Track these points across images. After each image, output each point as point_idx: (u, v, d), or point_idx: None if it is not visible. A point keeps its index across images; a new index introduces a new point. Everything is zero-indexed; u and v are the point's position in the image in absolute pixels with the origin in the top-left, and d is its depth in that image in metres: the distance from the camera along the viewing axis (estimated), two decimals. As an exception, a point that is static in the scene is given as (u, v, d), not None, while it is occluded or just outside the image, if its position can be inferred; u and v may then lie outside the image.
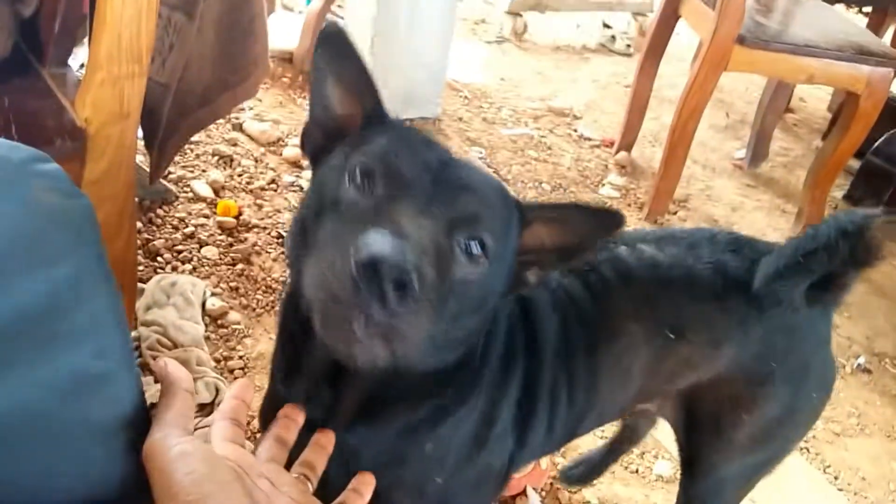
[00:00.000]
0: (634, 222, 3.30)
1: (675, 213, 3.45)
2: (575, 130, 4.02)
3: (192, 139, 2.85)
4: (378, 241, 0.67)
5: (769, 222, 3.56)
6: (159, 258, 2.31)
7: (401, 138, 0.88)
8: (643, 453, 2.14)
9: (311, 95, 0.94)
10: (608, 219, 0.88)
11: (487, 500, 1.20)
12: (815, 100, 5.12)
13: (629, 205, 3.44)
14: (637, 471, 2.10)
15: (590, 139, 3.95)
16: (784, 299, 1.18)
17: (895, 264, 3.49)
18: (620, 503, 1.99)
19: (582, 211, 0.90)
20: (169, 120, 1.76)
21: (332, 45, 0.88)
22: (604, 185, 3.57)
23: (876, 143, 3.70)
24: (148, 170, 2.48)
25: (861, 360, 2.75)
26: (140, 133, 1.86)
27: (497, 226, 0.85)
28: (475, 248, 0.81)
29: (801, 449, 2.31)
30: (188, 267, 2.31)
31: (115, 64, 1.32)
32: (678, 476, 2.05)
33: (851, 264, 1.15)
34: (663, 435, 1.50)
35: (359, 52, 0.90)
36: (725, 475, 1.41)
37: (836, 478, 2.25)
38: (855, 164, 3.79)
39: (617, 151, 3.81)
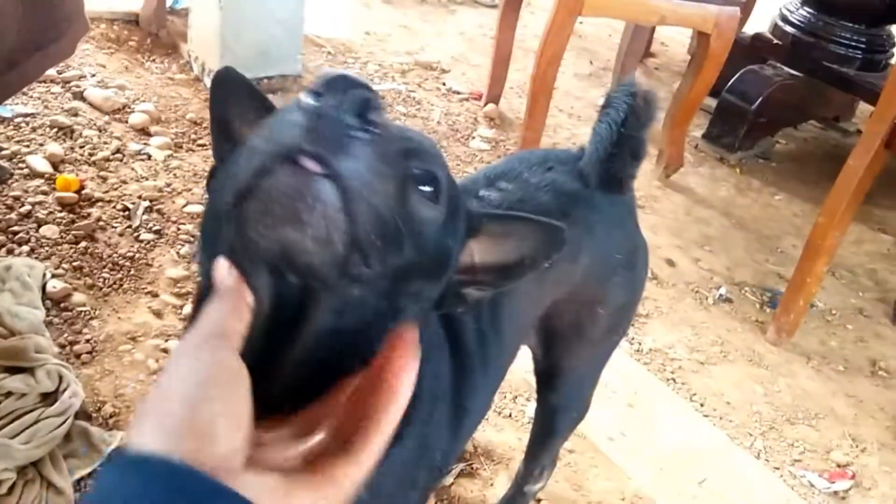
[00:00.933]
0: (504, 172, 3.31)
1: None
2: (443, 84, 3.97)
3: (28, 111, 2.64)
4: (334, 71, 0.58)
5: (634, 165, 3.64)
6: (-8, 241, 2.13)
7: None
8: (515, 397, 2.17)
9: (214, 138, 0.85)
10: (554, 234, 0.81)
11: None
12: (675, 44, 5.26)
13: (499, 156, 3.44)
14: (510, 415, 2.12)
15: (458, 93, 3.92)
16: (623, 176, 1.32)
17: (753, 198, 3.66)
18: (495, 449, 2.00)
19: (530, 225, 0.83)
20: None
21: (225, 85, 0.83)
22: (474, 138, 3.55)
23: (730, 82, 3.83)
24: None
25: (722, 290, 2.87)
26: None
27: (448, 186, 0.74)
28: (428, 186, 0.69)
29: (668, 380, 2.40)
30: (25, 249, 2.14)
31: None
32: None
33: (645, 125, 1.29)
34: (533, 376, 1.52)
35: (252, 84, 0.83)
36: (584, 372, 1.54)
37: (701, 405, 2.35)
38: (712, 102, 3.91)
39: (485, 104, 3.80)
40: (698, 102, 3.45)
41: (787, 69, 3.93)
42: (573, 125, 3.90)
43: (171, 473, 0.46)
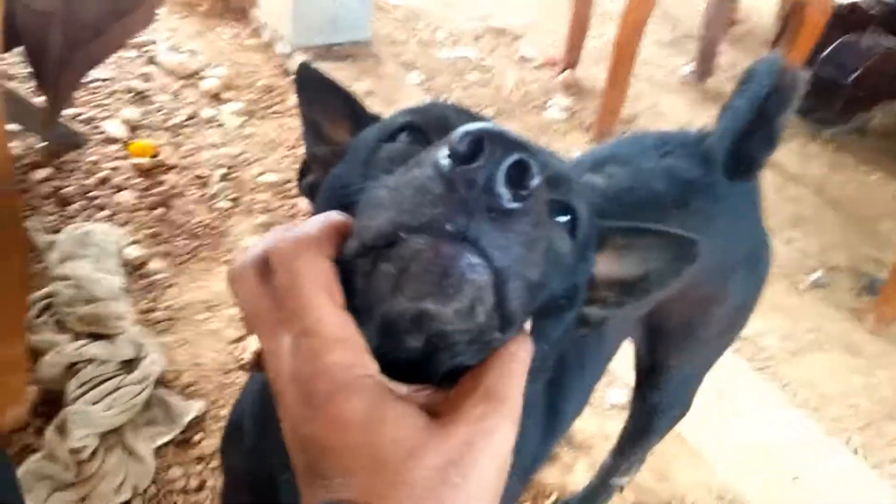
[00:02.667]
0: (582, 145, 3.18)
1: (623, 133, 3.34)
2: (517, 51, 3.85)
3: (103, 76, 2.63)
4: (477, 126, 0.46)
5: (718, 138, 3.47)
6: (71, 206, 2.12)
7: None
8: (597, 383, 2.08)
9: (304, 134, 0.80)
10: (684, 248, 0.71)
11: None
12: (762, 11, 4.99)
13: (576, 127, 3.31)
14: (591, 401, 2.03)
15: (532, 59, 3.78)
16: (756, 160, 1.20)
17: (847, 177, 3.46)
18: (576, 435, 1.92)
19: (658, 237, 0.72)
20: (59, 56, 1.56)
21: (309, 86, 0.78)
22: (548, 107, 3.43)
23: (824, 53, 3.61)
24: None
25: (817, 274, 2.71)
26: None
27: (586, 220, 0.65)
28: (564, 217, 0.61)
29: (758, 369, 2.27)
30: (103, 214, 2.13)
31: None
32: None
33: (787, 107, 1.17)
34: (615, 363, 1.43)
35: (334, 81, 0.77)
36: (691, 372, 1.43)
37: (794, 395, 2.22)
38: (805, 74, 3.69)
39: (561, 72, 3.66)
40: (791, 73, 3.25)
41: (886, 39, 3.68)
42: (655, 93, 3.73)
43: None
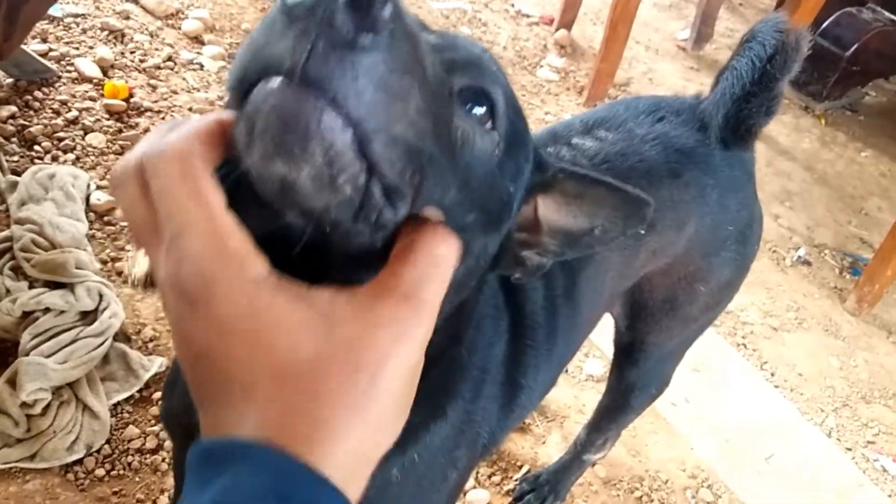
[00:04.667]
0: (573, 108, 3.10)
1: (615, 98, 3.26)
2: (512, 6, 3.73)
3: (78, 11, 2.50)
4: None
5: (712, 107, 3.40)
6: (37, 147, 2.02)
7: None
8: (574, 353, 2.03)
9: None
10: (636, 208, 0.66)
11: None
12: (762, -22, 4.89)
13: (568, 88, 3.22)
14: (567, 370, 1.99)
15: (528, 16, 3.68)
16: (755, 126, 1.14)
17: (837, 153, 3.40)
18: (549, 405, 1.88)
19: (610, 191, 0.67)
20: None
21: None
22: (542, 66, 3.33)
23: (823, 25, 3.52)
24: (26, 50, 2.16)
25: (802, 251, 2.67)
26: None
27: (507, 109, 0.58)
28: (479, 108, 0.55)
29: (739, 345, 2.24)
30: (70, 157, 2.03)
31: None
32: (607, 375, 1.97)
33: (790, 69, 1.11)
34: (595, 333, 1.38)
35: None
36: (670, 349, 1.39)
37: (772, 374, 2.19)
38: (802, 46, 3.61)
39: (556, 30, 3.56)
40: (790, 44, 3.17)
41: (887, 14, 3.60)
42: (650, 59, 3.64)
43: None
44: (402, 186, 0.45)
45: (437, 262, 0.47)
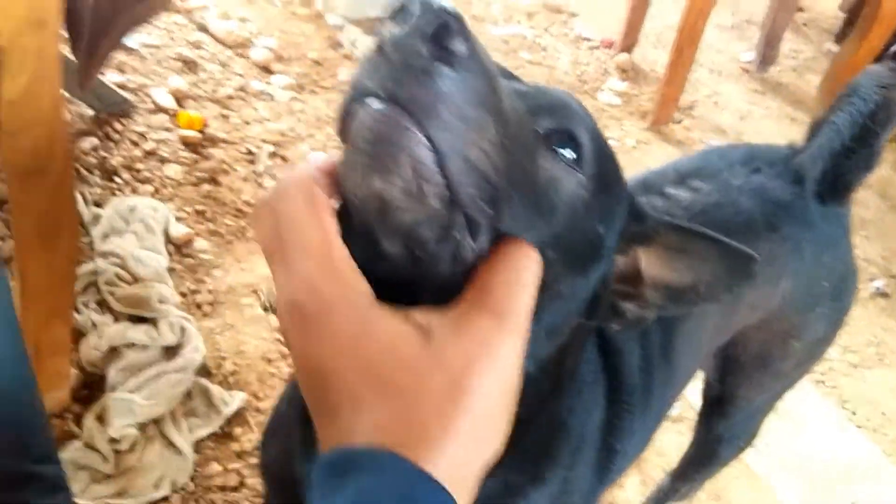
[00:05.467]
0: (637, 132, 3.07)
1: (679, 122, 3.21)
2: (572, 29, 3.71)
3: (153, 42, 2.56)
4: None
5: (779, 131, 3.33)
6: (117, 178, 2.07)
7: None
8: (650, 391, 2.00)
9: None
10: (742, 264, 0.64)
11: None
12: (825, -4, 4.79)
13: (631, 113, 3.19)
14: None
15: (588, 39, 3.65)
16: (853, 182, 1.13)
17: (911, 178, 3.31)
18: (625, 445, 1.85)
19: (715, 246, 0.65)
20: (101, 17, 1.50)
21: None
22: (603, 90, 3.31)
23: (893, 48, 3.43)
24: (105, 82, 2.21)
25: (879, 283, 2.59)
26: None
27: (595, 152, 0.59)
28: (566, 150, 0.57)
29: (817, 382, 2.18)
30: (149, 188, 2.07)
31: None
32: (684, 415, 1.93)
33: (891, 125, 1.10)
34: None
35: None
36: (760, 403, 1.36)
37: (854, 413, 2.12)
38: (872, 68, 3.53)
39: (618, 53, 3.52)
40: (862, 68, 3.09)
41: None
42: (714, 81, 3.59)
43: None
44: (479, 214, 0.48)
45: (520, 274, 0.49)
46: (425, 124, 0.44)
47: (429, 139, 0.44)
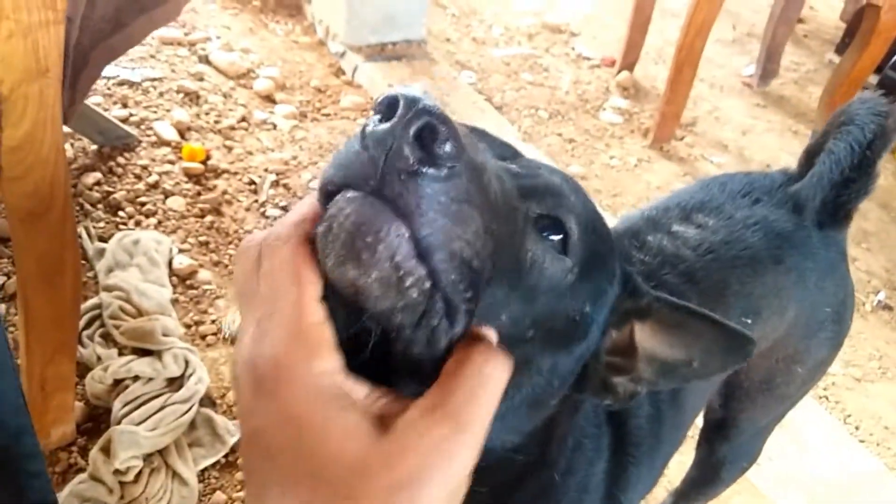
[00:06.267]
0: (639, 151, 3.08)
1: (681, 139, 3.23)
2: (573, 49, 3.75)
3: (155, 75, 2.61)
4: (396, 90, 0.47)
5: (781, 145, 3.34)
6: (121, 212, 2.11)
7: None
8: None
9: None
10: (738, 344, 0.64)
11: None
12: (826, 8, 4.80)
13: (632, 131, 3.21)
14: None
15: (589, 58, 3.68)
16: (851, 208, 1.15)
17: (914, 188, 3.30)
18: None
19: (712, 326, 0.65)
20: (81, 52, 1.53)
21: None
22: (605, 109, 3.33)
23: (894, 58, 3.44)
24: (108, 117, 2.26)
25: (881, 295, 2.59)
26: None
27: (583, 236, 0.60)
28: (553, 235, 0.58)
29: (820, 397, 2.17)
30: (153, 221, 2.11)
31: (24, 11, 1.09)
32: (689, 435, 1.93)
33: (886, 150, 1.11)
34: None
35: None
36: (763, 426, 1.37)
37: (857, 428, 2.12)
38: (872, 80, 3.53)
39: (619, 72, 3.55)
40: (863, 80, 3.10)
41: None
42: (715, 97, 3.60)
43: None
44: (458, 299, 0.48)
45: (484, 381, 0.48)
46: (408, 220, 0.45)
47: (411, 233, 0.45)
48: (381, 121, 0.45)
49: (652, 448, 0.99)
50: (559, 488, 0.80)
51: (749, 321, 1.07)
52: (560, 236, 0.58)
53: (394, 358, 0.50)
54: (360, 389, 0.46)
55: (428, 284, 0.46)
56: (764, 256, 1.08)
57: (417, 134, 0.44)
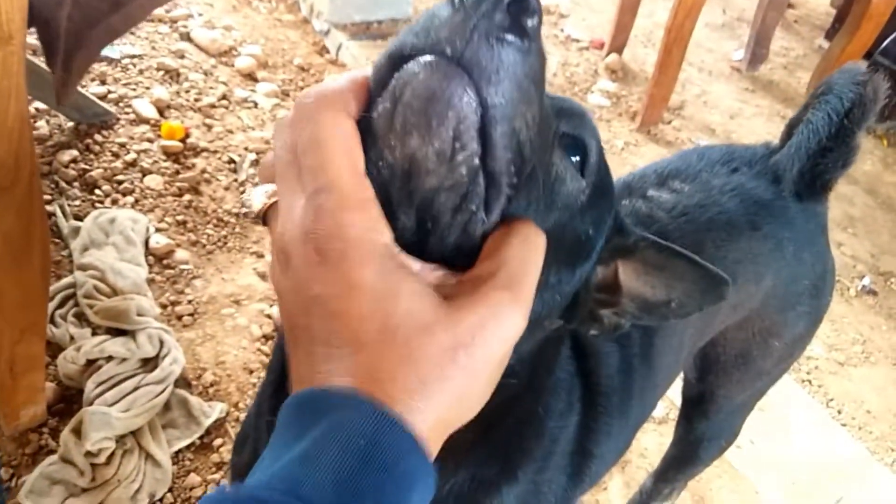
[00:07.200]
0: (627, 134, 3.06)
1: (669, 123, 3.20)
2: (562, 30, 3.71)
3: (135, 52, 2.56)
4: None
5: (769, 130, 3.32)
6: (97, 191, 2.06)
7: None
8: (634, 394, 1.99)
9: None
10: (715, 285, 0.66)
11: None
12: (817, -7, 4.78)
13: (620, 114, 3.18)
14: (627, 413, 1.94)
15: (578, 40, 3.64)
16: (830, 179, 1.13)
17: (901, 173, 3.29)
18: (609, 449, 1.84)
19: (691, 266, 0.67)
20: (75, 30, 1.50)
21: None
22: (593, 91, 3.30)
23: (884, 44, 3.42)
24: (86, 94, 2.21)
25: (866, 280, 2.58)
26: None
27: (598, 163, 0.62)
28: (575, 155, 0.59)
29: (803, 381, 2.17)
30: (129, 200, 2.07)
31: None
32: (670, 416, 1.92)
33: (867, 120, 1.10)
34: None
35: None
36: (741, 402, 1.36)
37: (839, 412, 2.11)
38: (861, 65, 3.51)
39: (607, 54, 3.51)
40: (850, 64, 3.08)
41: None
42: (704, 81, 3.58)
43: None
44: (503, 182, 0.48)
45: (531, 249, 0.50)
46: (483, 88, 0.45)
47: (482, 103, 0.45)
48: None
49: (622, 402, 0.98)
50: (539, 428, 0.80)
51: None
52: (577, 158, 0.59)
53: (427, 245, 0.50)
54: (414, 262, 0.47)
55: (477, 162, 0.46)
56: (740, 221, 1.06)
57: (510, 5, 0.44)
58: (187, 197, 2.11)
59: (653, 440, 1.88)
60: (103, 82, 2.41)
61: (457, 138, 0.45)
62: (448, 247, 0.50)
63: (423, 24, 0.47)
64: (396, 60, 0.47)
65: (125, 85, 2.43)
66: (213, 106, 2.46)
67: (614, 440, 1.02)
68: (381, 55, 0.49)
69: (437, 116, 0.44)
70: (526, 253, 0.49)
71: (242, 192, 2.18)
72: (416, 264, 0.47)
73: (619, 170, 2.87)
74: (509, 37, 0.45)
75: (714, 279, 0.65)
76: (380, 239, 0.45)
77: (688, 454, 1.43)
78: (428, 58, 0.45)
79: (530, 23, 0.45)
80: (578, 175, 0.59)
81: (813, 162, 1.09)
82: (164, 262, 1.95)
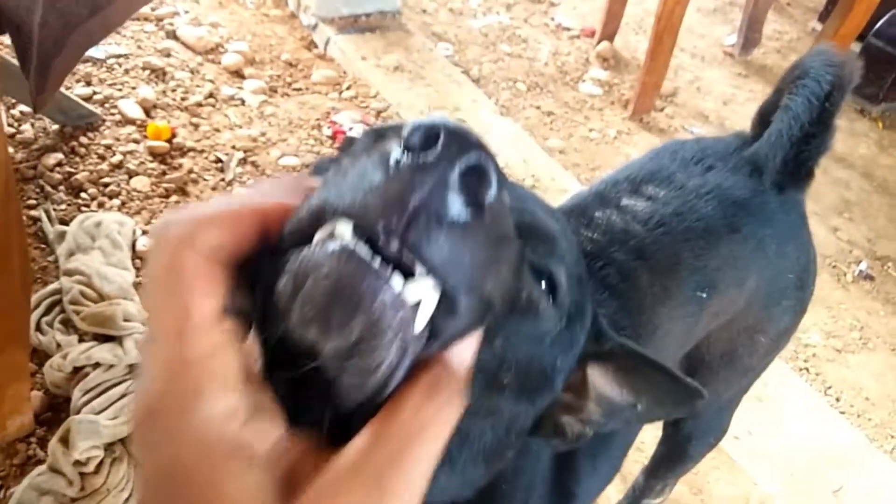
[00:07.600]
0: (619, 123, 3.03)
1: (661, 110, 3.17)
2: (552, 19, 3.67)
3: (121, 52, 2.53)
4: (433, 119, 0.38)
5: (763, 115, 3.29)
6: (83, 194, 2.04)
7: None
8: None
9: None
10: (686, 398, 0.62)
11: None
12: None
13: (612, 102, 3.15)
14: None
15: (568, 29, 3.61)
16: (812, 165, 1.11)
17: (897, 156, 3.27)
18: (605, 443, 1.82)
19: (665, 378, 0.63)
20: (52, 35, 1.46)
21: None
22: (584, 80, 3.27)
23: (877, 25, 3.38)
24: (70, 96, 2.19)
25: (863, 265, 2.56)
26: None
27: (571, 289, 0.57)
28: (542, 282, 0.54)
29: (801, 370, 2.15)
30: (116, 202, 2.04)
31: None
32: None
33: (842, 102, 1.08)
34: None
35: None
36: (729, 398, 1.35)
37: (837, 399, 2.10)
38: (855, 47, 3.48)
39: (598, 42, 3.48)
40: (845, 48, 3.04)
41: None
42: (697, 66, 3.54)
43: None
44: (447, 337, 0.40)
45: (420, 430, 0.38)
46: (439, 274, 0.37)
47: (415, 304, 0.37)
48: (412, 152, 0.37)
49: (604, 436, 0.95)
50: (505, 494, 0.76)
51: (704, 295, 1.03)
52: (547, 287, 0.55)
53: (324, 396, 0.40)
54: (263, 439, 0.37)
55: (392, 372, 0.38)
56: (719, 226, 1.04)
57: (464, 173, 0.37)
58: (174, 198, 2.09)
59: (650, 434, 1.86)
60: (88, 83, 2.38)
61: (368, 338, 0.36)
62: (352, 401, 0.40)
63: (355, 181, 0.38)
64: (317, 219, 0.39)
65: (111, 85, 2.40)
66: (199, 104, 2.43)
67: (599, 471, 1.00)
68: (303, 206, 0.41)
69: (343, 319, 0.36)
70: (410, 431, 0.38)
71: (230, 191, 2.16)
72: (266, 441, 0.37)
73: (613, 159, 2.86)
74: (464, 216, 0.37)
75: (687, 391, 0.62)
76: (205, 412, 0.36)
77: (676, 452, 1.42)
78: (347, 235, 0.37)
79: (488, 196, 0.38)
80: (545, 304, 0.53)
81: (796, 149, 1.06)
82: (152, 265, 1.92)
